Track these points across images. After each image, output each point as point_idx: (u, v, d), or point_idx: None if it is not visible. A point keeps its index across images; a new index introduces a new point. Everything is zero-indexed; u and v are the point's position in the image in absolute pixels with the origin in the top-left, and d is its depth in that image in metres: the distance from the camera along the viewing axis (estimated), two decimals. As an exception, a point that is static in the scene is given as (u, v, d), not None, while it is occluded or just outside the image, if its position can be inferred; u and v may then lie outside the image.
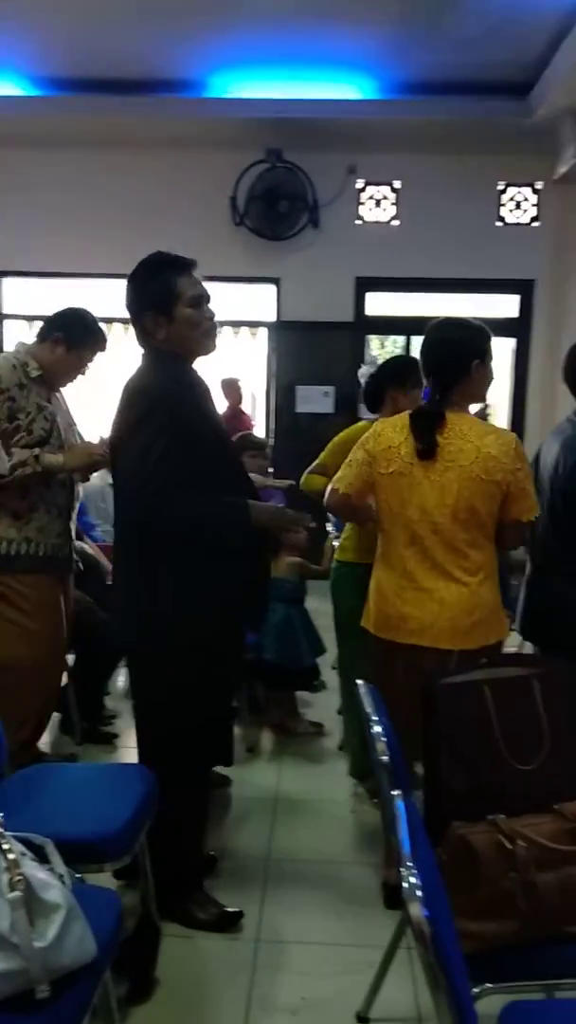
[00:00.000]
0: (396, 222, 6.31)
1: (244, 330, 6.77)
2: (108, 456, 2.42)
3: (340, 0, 4.43)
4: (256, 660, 3.34)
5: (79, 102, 5.54)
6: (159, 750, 2.23)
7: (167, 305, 2.15)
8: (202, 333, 2.20)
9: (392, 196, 6.30)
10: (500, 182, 6.25)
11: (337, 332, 6.36)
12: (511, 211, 6.29)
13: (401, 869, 1.17)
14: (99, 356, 2.88)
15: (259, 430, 6.30)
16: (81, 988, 1.41)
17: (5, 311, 6.82)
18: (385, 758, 1.57)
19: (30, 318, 6.60)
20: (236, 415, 6.46)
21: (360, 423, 3.30)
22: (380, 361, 3.74)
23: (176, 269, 2.18)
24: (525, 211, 6.28)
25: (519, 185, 6.25)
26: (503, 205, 6.28)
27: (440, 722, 1.78)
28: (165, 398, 2.07)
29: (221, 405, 5.76)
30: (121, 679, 3.90)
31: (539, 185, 6.21)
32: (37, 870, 1.39)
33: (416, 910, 1.09)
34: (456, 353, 2.24)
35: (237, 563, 2.14)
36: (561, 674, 1.92)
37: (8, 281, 6.81)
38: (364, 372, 4.38)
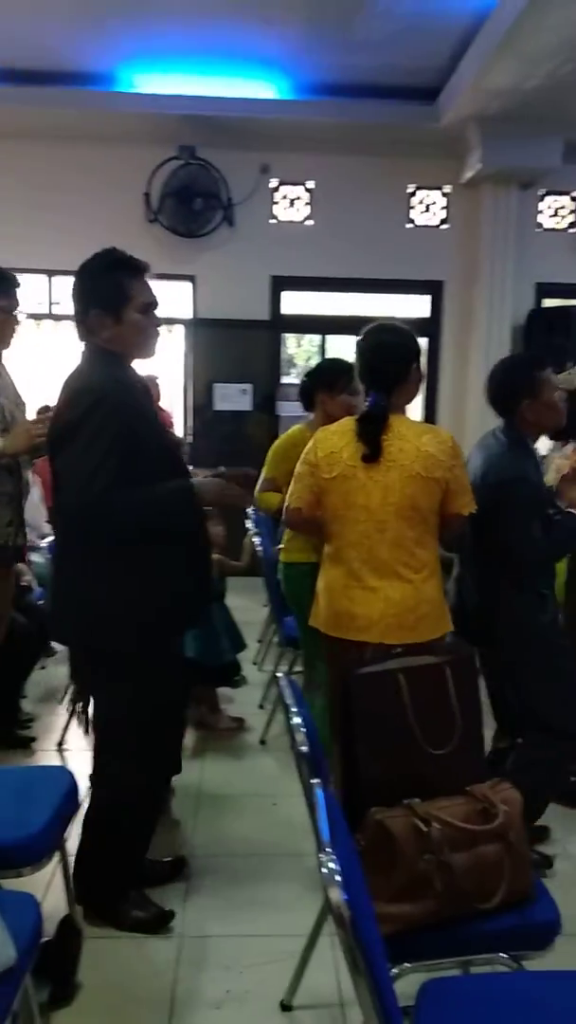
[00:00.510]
0: (310, 222, 6.37)
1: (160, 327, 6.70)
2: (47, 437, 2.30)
3: (251, -3, 4.43)
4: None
5: (-18, 92, 5.37)
6: (111, 748, 2.23)
7: (116, 306, 2.13)
8: (146, 339, 2.19)
9: (306, 196, 6.35)
10: (410, 185, 6.37)
11: (254, 330, 6.36)
12: (421, 213, 6.42)
13: (320, 855, 1.20)
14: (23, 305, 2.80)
15: (178, 428, 6.25)
16: (1, 994, 1.39)
17: None
18: (304, 748, 1.60)
19: None
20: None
21: (294, 428, 3.33)
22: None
23: (130, 271, 2.16)
24: (435, 214, 6.42)
25: (428, 188, 6.38)
26: (413, 208, 6.41)
27: (356, 711, 1.82)
28: (107, 398, 2.04)
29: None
30: (40, 681, 3.83)
31: (447, 189, 6.36)
32: (-47, 877, 1.37)
33: (335, 894, 1.12)
34: (395, 357, 2.30)
35: (182, 554, 2.15)
36: (470, 661, 2.01)
37: None
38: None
